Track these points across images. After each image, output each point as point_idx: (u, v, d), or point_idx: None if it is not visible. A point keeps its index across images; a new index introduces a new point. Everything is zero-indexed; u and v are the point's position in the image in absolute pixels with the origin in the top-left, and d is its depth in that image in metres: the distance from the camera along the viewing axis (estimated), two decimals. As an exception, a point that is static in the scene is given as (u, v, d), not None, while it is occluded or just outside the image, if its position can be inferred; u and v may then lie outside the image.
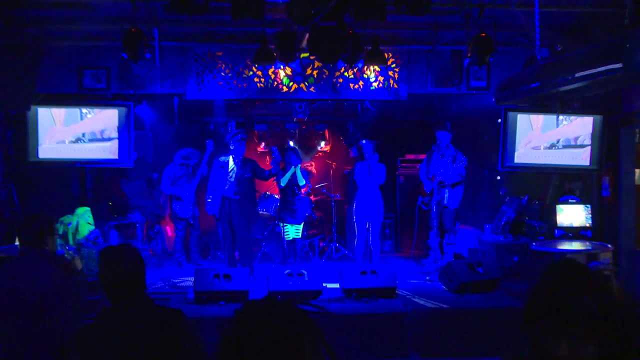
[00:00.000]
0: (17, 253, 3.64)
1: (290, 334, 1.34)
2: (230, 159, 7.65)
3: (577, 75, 4.89)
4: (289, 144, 10.14)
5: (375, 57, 7.21)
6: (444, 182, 7.91)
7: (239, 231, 7.62)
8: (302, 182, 7.97)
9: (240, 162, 7.65)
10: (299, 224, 8.19)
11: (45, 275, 3.36)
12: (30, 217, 3.53)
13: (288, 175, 7.95)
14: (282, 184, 8.00)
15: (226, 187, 7.58)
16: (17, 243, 6.78)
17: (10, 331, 3.38)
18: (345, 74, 8.09)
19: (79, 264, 5.91)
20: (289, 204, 8.07)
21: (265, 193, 9.28)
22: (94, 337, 2.51)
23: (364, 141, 8.13)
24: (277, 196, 9.24)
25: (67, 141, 7.97)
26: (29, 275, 3.36)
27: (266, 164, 9.47)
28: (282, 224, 8.13)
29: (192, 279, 6.54)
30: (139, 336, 2.47)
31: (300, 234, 8.28)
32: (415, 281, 7.57)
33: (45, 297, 3.28)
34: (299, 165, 8.04)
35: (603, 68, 4.54)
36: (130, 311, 2.55)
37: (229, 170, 7.60)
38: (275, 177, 8.04)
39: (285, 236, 8.15)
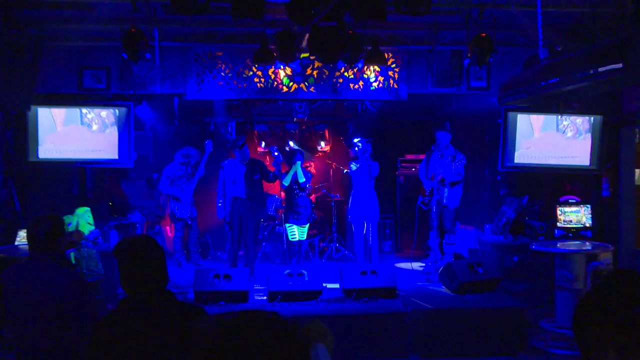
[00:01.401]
0: (26, 256, 3.56)
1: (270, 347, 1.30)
2: (237, 162, 7.76)
3: (579, 75, 4.90)
4: (290, 145, 10.15)
5: (375, 57, 7.20)
6: (445, 180, 7.91)
7: (248, 232, 7.68)
8: (302, 179, 7.96)
9: (248, 164, 7.71)
10: (304, 225, 8.15)
11: (59, 280, 3.29)
12: (39, 219, 3.42)
13: (290, 173, 7.95)
14: (286, 184, 8.00)
15: (236, 189, 7.64)
16: (17, 243, 6.78)
17: (25, 337, 3.35)
18: (345, 74, 8.08)
19: (81, 235, 5.85)
20: (294, 206, 8.04)
21: (265, 193, 9.28)
22: (111, 327, 2.47)
23: (357, 141, 8.13)
24: (277, 196, 9.26)
25: (67, 141, 7.96)
26: (43, 281, 3.28)
27: (266, 164, 9.47)
28: (287, 225, 8.12)
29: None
30: (154, 329, 2.42)
31: (305, 236, 8.23)
32: (415, 281, 7.57)
33: (62, 303, 3.24)
34: (301, 162, 8.04)
35: (604, 68, 4.54)
36: (148, 303, 2.49)
37: (236, 172, 7.66)
38: (279, 179, 8.09)
39: (291, 238, 8.13)
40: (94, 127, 8.01)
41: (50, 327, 3.25)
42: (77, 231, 6.16)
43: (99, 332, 2.49)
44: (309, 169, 10.01)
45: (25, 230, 6.72)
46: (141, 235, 2.81)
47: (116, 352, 2.41)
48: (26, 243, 6.25)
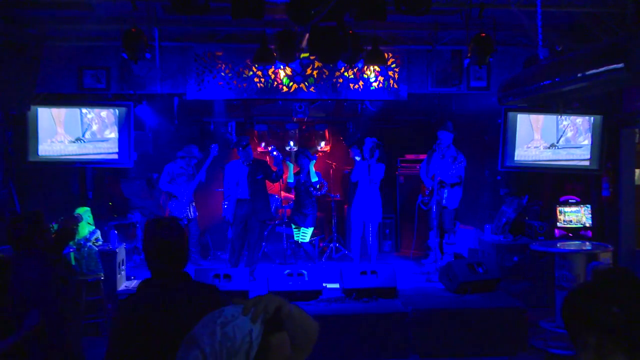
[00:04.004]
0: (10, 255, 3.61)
1: None
2: (241, 162, 7.79)
3: (580, 75, 4.89)
4: (291, 146, 10.16)
5: (375, 57, 7.20)
6: (445, 182, 7.90)
7: (252, 232, 7.69)
8: (314, 178, 7.95)
9: (252, 164, 7.72)
10: (307, 228, 8.10)
11: (28, 278, 3.34)
12: (16, 219, 3.48)
13: (290, 171, 7.95)
14: (290, 180, 8.00)
15: (240, 190, 7.65)
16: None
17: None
18: (345, 74, 8.08)
19: (76, 219, 5.80)
20: (302, 207, 8.02)
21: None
22: (136, 306, 2.58)
23: (367, 140, 8.12)
24: (277, 196, 9.26)
25: (67, 141, 7.96)
26: (17, 277, 3.33)
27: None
28: (293, 226, 8.10)
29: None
30: (177, 306, 2.52)
31: (307, 239, 8.15)
32: (415, 281, 7.58)
33: (38, 302, 3.26)
34: (313, 161, 8.02)
35: (606, 68, 4.54)
36: (169, 282, 2.61)
37: (239, 173, 7.68)
38: (282, 179, 8.10)
39: (296, 237, 8.12)
40: (94, 127, 8.01)
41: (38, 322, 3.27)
42: (72, 216, 6.12)
43: (124, 309, 2.62)
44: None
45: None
46: (167, 218, 2.91)
47: (139, 328, 2.50)
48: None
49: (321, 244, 9.39)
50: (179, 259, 2.65)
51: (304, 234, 8.11)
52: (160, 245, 2.62)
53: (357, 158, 8.15)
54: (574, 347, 1.48)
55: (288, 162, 8.10)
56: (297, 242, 8.23)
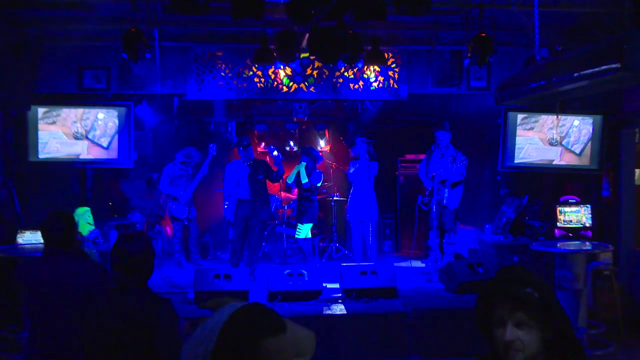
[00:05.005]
0: (41, 253, 3.64)
1: None
2: (241, 163, 7.83)
3: (576, 75, 4.89)
4: (290, 145, 10.15)
5: (375, 57, 7.20)
6: (447, 181, 7.91)
7: (253, 233, 7.71)
8: (304, 179, 7.97)
9: (252, 164, 7.73)
10: (302, 224, 8.10)
11: (85, 271, 3.41)
12: (53, 218, 3.50)
13: (294, 172, 7.99)
14: (289, 181, 8.05)
15: (240, 190, 7.67)
16: (17, 243, 6.79)
17: (47, 332, 3.38)
18: (345, 74, 8.08)
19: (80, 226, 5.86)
20: (299, 205, 8.09)
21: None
22: (96, 310, 2.77)
23: (358, 139, 8.15)
24: (277, 196, 9.26)
25: (67, 141, 7.96)
26: (68, 274, 3.37)
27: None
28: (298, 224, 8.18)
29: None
30: (122, 318, 2.67)
31: (303, 235, 8.16)
32: (415, 281, 7.58)
33: (89, 293, 3.29)
34: (304, 163, 8.03)
35: (602, 68, 4.53)
36: (124, 292, 2.75)
37: (239, 173, 7.69)
38: (283, 178, 8.13)
39: (296, 235, 8.18)
40: (94, 127, 8.01)
41: (76, 319, 3.27)
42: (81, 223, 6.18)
43: (90, 314, 2.79)
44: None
45: (26, 231, 6.78)
46: (136, 231, 3.04)
47: (97, 328, 2.70)
48: (26, 243, 6.31)
49: (321, 244, 9.39)
50: (137, 271, 2.76)
51: (299, 230, 8.13)
52: (120, 257, 2.75)
53: (354, 158, 8.19)
54: (487, 333, 1.83)
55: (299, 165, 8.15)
56: (296, 240, 8.27)
